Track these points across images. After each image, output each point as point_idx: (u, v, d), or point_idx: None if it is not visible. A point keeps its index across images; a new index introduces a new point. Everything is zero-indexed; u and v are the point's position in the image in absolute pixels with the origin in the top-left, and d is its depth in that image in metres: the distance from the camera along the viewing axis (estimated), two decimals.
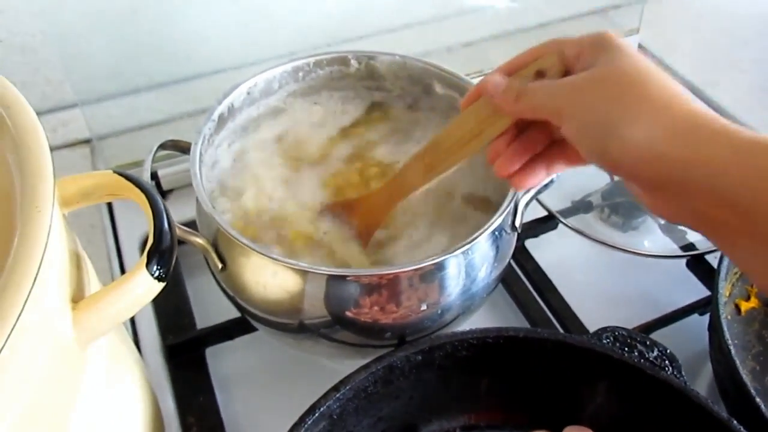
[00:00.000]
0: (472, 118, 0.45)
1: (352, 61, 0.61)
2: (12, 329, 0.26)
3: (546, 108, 0.41)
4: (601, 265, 0.68)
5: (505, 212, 0.48)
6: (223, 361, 0.60)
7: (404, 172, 0.51)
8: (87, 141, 0.78)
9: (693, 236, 0.68)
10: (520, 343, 0.48)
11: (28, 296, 0.27)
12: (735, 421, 0.43)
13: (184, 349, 0.59)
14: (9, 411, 0.28)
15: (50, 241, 0.30)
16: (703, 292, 0.63)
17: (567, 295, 0.63)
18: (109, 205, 0.72)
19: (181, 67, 0.75)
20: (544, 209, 0.68)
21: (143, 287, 0.35)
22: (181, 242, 0.54)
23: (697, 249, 0.66)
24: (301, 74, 0.60)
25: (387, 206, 0.53)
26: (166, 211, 0.38)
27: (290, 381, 0.58)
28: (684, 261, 0.66)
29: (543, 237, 0.69)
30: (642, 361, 0.47)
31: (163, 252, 0.36)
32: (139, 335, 0.61)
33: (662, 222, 0.70)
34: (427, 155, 0.48)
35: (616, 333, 0.49)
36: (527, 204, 0.54)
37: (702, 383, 0.59)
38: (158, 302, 0.62)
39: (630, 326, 0.51)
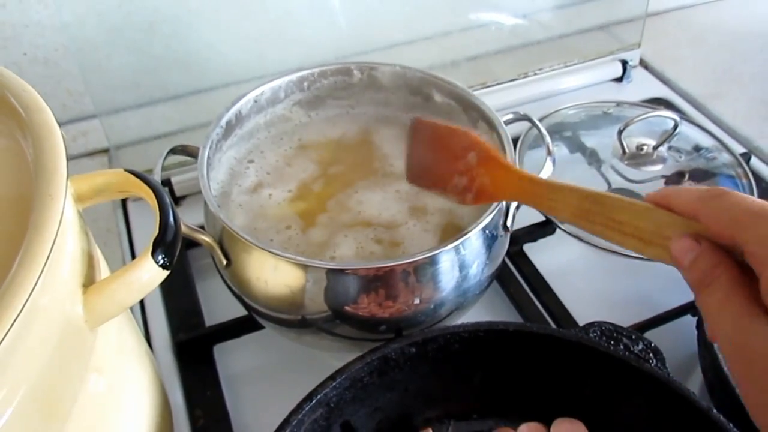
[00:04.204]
0: (650, 223, 0.38)
1: (355, 72, 0.64)
2: (24, 305, 0.29)
3: (723, 338, 0.34)
4: (597, 268, 0.70)
5: (495, 210, 0.51)
6: (230, 358, 0.62)
7: (553, 189, 0.46)
8: (105, 150, 0.81)
9: None
10: (510, 337, 0.50)
11: (40, 276, 0.30)
12: (714, 410, 0.45)
13: (193, 345, 0.62)
14: (20, 387, 0.30)
15: (62, 228, 0.32)
16: None
17: (563, 297, 0.65)
18: (125, 211, 0.76)
19: (196, 80, 0.78)
20: (542, 214, 0.70)
21: (148, 274, 0.38)
22: (193, 243, 0.57)
23: None
24: (306, 84, 0.64)
25: (501, 191, 0.50)
26: (172, 205, 0.41)
27: (293, 377, 0.59)
28: None
29: (541, 241, 0.71)
30: (627, 353, 0.49)
31: (167, 242, 0.39)
32: (151, 332, 0.63)
33: None
34: (588, 200, 0.42)
35: (603, 327, 0.51)
36: (518, 206, 0.56)
37: (695, 381, 0.60)
38: (169, 301, 0.65)
39: (624, 326, 0.53)
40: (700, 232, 0.36)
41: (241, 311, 0.59)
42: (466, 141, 0.51)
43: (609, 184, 0.75)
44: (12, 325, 0.28)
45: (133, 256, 0.71)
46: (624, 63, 0.95)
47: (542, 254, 0.70)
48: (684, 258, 0.36)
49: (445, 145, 0.53)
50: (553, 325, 0.63)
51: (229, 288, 0.56)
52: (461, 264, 0.51)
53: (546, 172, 0.56)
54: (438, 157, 0.54)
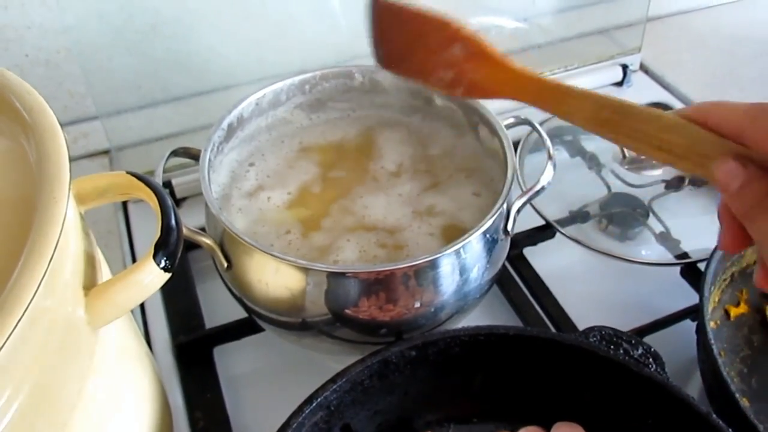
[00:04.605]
0: (683, 138, 0.36)
1: (356, 75, 0.64)
2: (27, 308, 0.29)
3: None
4: (597, 272, 0.70)
5: (497, 215, 0.51)
6: (230, 360, 0.62)
7: (561, 92, 0.41)
8: (106, 151, 0.81)
9: (687, 245, 0.70)
10: (510, 341, 0.50)
11: (42, 279, 0.30)
12: (714, 415, 0.45)
13: (193, 348, 0.62)
14: (22, 389, 0.30)
15: (65, 230, 0.32)
16: (695, 298, 0.64)
17: (563, 301, 0.65)
18: (126, 213, 0.76)
19: (197, 82, 0.79)
20: (542, 218, 0.70)
21: (150, 276, 0.38)
22: (193, 246, 0.57)
23: (690, 258, 0.68)
24: (307, 87, 0.64)
25: (498, 89, 0.44)
26: (174, 208, 0.41)
27: (293, 380, 0.60)
28: (678, 269, 0.67)
29: (541, 245, 0.71)
30: (627, 358, 0.49)
31: (169, 245, 0.39)
32: (151, 334, 0.63)
33: (658, 232, 0.72)
34: (607, 109, 0.39)
35: (603, 332, 0.51)
36: (519, 210, 0.56)
37: (694, 386, 0.60)
38: (169, 304, 0.66)
39: (624, 330, 0.53)
40: (741, 152, 0.34)
41: (242, 313, 0.59)
42: (446, 33, 0.43)
43: (609, 188, 0.75)
44: (15, 327, 0.28)
45: (134, 258, 0.71)
46: (624, 67, 0.95)
47: (542, 258, 0.70)
48: (731, 183, 0.34)
49: (419, 35, 0.45)
50: (553, 329, 0.63)
51: (230, 290, 0.56)
52: (462, 268, 0.51)
53: (547, 177, 0.56)
54: (412, 47, 0.46)
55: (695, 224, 0.73)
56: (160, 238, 0.39)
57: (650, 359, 0.50)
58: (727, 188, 0.34)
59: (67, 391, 0.35)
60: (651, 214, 0.73)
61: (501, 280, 0.66)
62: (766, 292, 0.36)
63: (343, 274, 0.49)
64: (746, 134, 0.34)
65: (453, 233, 0.56)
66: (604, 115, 0.39)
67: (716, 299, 0.61)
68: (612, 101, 0.39)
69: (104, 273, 0.41)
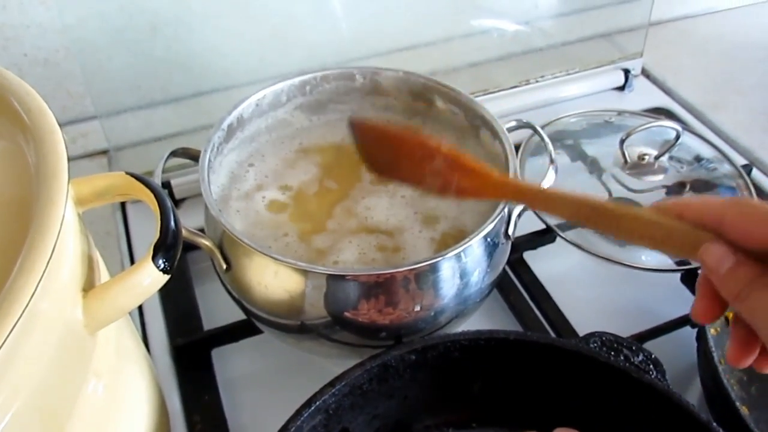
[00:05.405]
0: (660, 231, 0.37)
1: (357, 76, 0.64)
2: (24, 310, 0.28)
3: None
4: (597, 277, 0.70)
5: (498, 218, 0.51)
6: (228, 362, 0.62)
7: (538, 193, 0.44)
8: (105, 151, 0.81)
9: None
10: (510, 346, 0.50)
11: (41, 280, 0.29)
12: (714, 423, 0.45)
13: (191, 350, 0.61)
14: (20, 392, 0.30)
15: (63, 231, 0.32)
16: None
17: (563, 306, 0.65)
18: (124, 214, 0.75)
19: (196, 83, 0.78)
20: (542, 222, 0.70)
21: (149, 278, 0.37)
22: (191, 247, 0.57)
23: (690, 264, 0.67)
24: (308, 88, 0.63)
25: (485, 192, 0.47)
26: (173, 209, 0.40)
27: (292, 383, 0.59)
28: (678, 275, 0.67)
29: (541, 249, 0.70)
30: (627, 364, 0.49)
31: (168, 246, 0.38)
32: (149, 336, 0.63)
33: None
34: (585, 208, 0.41)
35: (603, 338, 0.51)
36: (520, 214, 0.56)
37: (693, 393, 0.60)
38: (167, 305, 0.65)
39: (623, 335, 0.53)
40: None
41: (240, 315, 0.59)
42: (425, 150, 0.47)
43: (610, 192, 0.75)
44: (12, 330, 0.28)
45: (132, 259, 0.71)
46: (626, 72, 0.95)
47: (542, 262, 0.70)
48: (720, 266, 0.35)
49: (403, 151, 0.49)
50: (553, 334, 0.63)
51: (229, 292, 0.56)
52: (462, 272, 0.51)
53: (548, 182, 0.56)
54: (399, 160, 0.49)
55: None
56: (159, 239, 0.38)
57: (651, 366, 0.49)
58: (717, 271, 0.35)
59: (65, 394, 0.35)
60: None
61: (501, 285, 0.66)
62: (738, 367, 0.37)
63: (342, 277, 0.49)
64: (725, 223, 0.35)
65: (454, 237, 0.56)
66: (584, 213, 0.41)
67: None
68: (589, 201, 0.40)
69: (102, 275, 0.41)
